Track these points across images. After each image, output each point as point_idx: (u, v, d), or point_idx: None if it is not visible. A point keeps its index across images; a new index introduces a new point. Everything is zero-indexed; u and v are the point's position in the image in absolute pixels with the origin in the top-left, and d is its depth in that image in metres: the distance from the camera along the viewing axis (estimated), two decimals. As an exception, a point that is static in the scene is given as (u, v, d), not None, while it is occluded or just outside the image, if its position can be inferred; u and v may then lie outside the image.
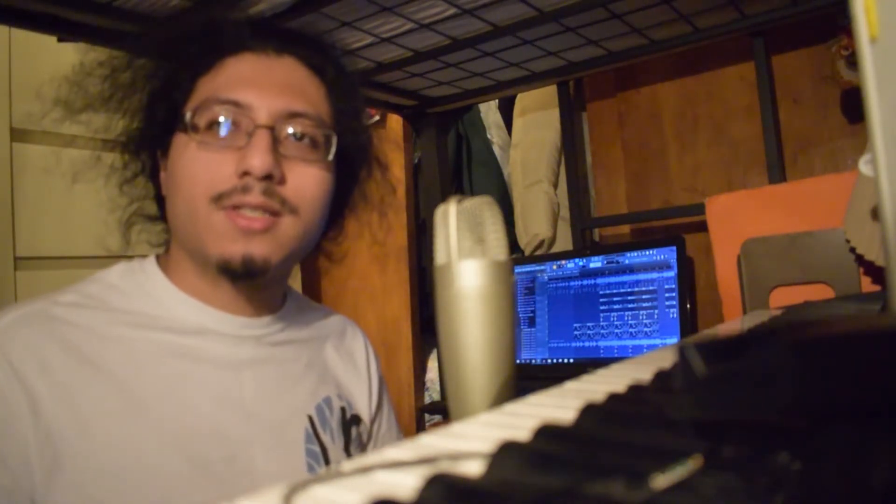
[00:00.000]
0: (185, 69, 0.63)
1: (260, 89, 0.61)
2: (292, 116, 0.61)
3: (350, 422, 0.70)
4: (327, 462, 0.65)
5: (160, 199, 0.68)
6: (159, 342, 0.60)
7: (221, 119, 0.59)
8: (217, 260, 0.59)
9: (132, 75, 0.65)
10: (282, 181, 0.60)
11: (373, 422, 0.76)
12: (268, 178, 0.58)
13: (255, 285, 0.63)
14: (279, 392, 0.65)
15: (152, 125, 0.64)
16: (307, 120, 0.62)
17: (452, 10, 1.01)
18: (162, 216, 0.69)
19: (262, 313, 0.67)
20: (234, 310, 0.64)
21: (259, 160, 0.57)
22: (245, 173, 0.58)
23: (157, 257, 0.67)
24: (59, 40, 0.91)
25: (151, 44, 0.67)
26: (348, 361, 0.76)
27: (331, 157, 0.64)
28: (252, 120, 0.60)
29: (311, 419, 0.66)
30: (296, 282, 1.85)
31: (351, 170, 0.71)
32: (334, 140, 0.64)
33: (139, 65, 0.65)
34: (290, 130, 0.61)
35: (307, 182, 0.62)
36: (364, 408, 0.74)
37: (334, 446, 0.66)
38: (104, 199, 0.67)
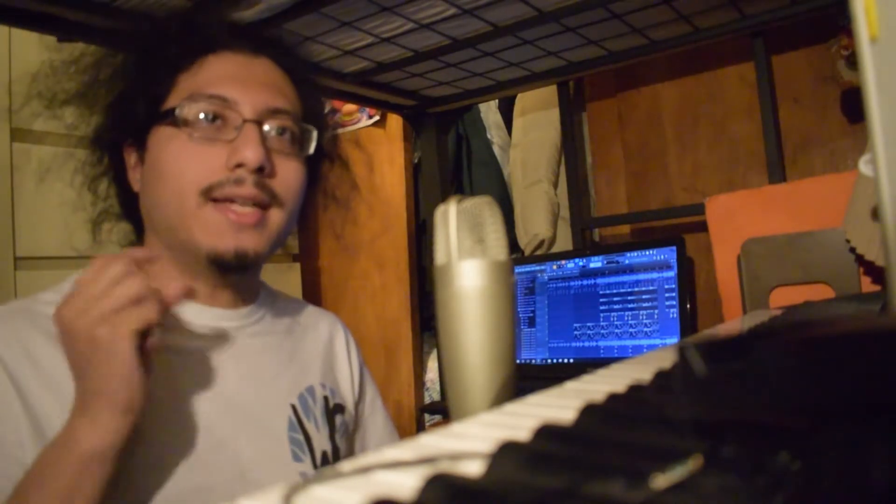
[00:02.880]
0: (166, 65, 0.64)
1: (244, 86, 0.62)
2: (274, 113, 0.63)
3: (334, 410, 0.71)
4: (311, 450, 0.66)
5: (125, 198, 0.68)
6: None
7: (210, 113, 0.61)
8: (208, 253, 0.60)
9: (109, 70, 0.66)
10: (271, 174, 0.62)
11: (356, 405, 0.77)
12: (259, 170, 0.60)
13: (239, 277, 0.65)
14: (261, 382, 0.66)
15: (128, 119, 0.64)
16: (287, 116, 0.64)
17: (452, 10, 1.01)
18: (127, 215, 0.69)
19: (240, 305, 0.68)
20: (212, 302, 0.66)
21: (252, 152, 0.59)
22: (238, 165, 0.59)
23: None
24: (59, 40, 0.91)
25: (134, 39, 0.67)
26: (329, 350, 0.77)
27: (310, 151, 0.67)
28: (239, 114, 0.61)
29: (294, 408, 0.67)
30: (296, 282, 1.85)
31: (315, 168, 0.73)
32: (314, 135, 0.67)
33: (116, 60, 0.66)
34: (274, 126, 0.63)
35: (291, 175, 0.64)
36: (348, 395, 0.76)
37: (319, 434, 0.67)
38: (88, 197, 0.68)
